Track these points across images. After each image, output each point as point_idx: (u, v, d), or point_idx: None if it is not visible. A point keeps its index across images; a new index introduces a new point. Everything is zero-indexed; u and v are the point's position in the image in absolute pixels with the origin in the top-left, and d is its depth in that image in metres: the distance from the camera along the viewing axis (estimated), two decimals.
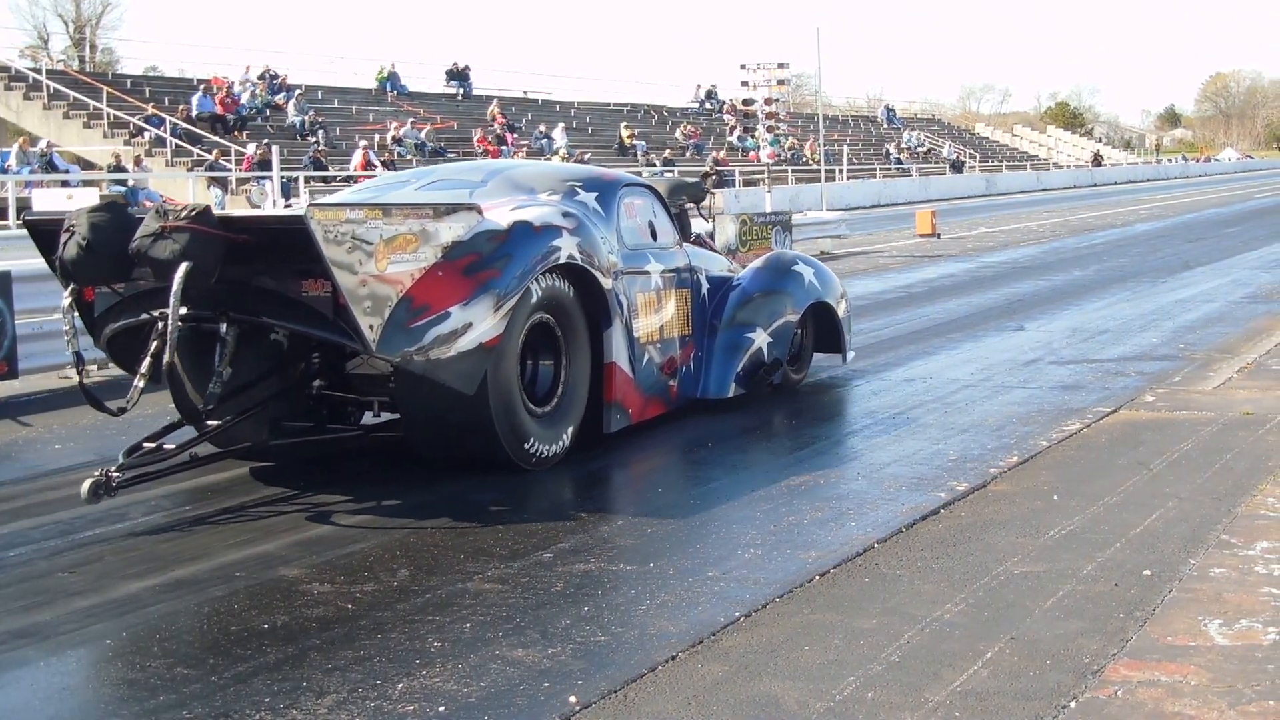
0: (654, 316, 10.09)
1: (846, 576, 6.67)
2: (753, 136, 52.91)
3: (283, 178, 29.46)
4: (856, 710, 5.02)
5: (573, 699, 5.18)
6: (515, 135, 46.16)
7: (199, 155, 36.64)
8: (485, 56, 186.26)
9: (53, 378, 12.65)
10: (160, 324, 7.77)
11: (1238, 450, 9.09)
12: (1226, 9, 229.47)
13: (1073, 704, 5.01)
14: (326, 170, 36.28)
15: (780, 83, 31.24)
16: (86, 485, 7.54)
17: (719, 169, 46.45)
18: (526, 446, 8.57)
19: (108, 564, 7.10)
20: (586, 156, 43.60)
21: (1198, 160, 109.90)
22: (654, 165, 46.77)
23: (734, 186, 43.56)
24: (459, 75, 52.73)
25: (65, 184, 27.08)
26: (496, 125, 46.33)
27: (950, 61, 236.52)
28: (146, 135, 37.72)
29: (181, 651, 5.78)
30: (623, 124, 52.14)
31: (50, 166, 31.90)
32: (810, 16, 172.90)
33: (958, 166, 71.31)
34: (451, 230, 7.93)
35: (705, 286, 11.05)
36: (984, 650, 5.55)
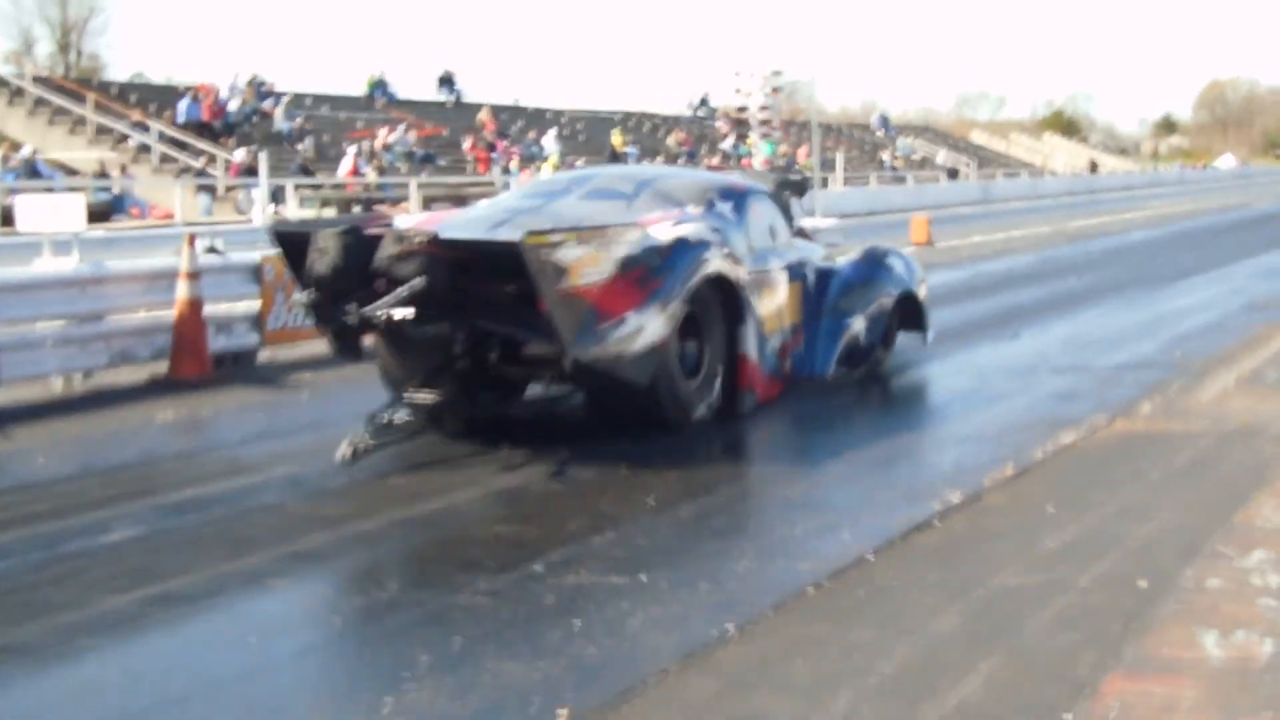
0: (775, 309, 11.49)
1: (840, 588, 6.62)
2: (746, 144, 52.94)
3: (270, 184, 29.37)
4: None
5: (562, 713, 5.13)
6: (506, 142, 46.10)
7: (185, 162, 36.51)
8: (476, 63, 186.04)
9: (36, 388, 12.52)
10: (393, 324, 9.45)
11: (1234, 461, 9.05)
12: (1223, 16, 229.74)
13: (1068, 717, 4.96)
14: (314, 177, 36.16)
15: (774, 90, 31.22)
16: (344, 448, 9.08)
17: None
18: (683, 412, 10.14)
19: (92, 577, 7.03)
20: (579, 164, 43.59)
21: (1195, 168, 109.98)
22: None
23: None
24: (449, 82, 52.67)
25: (50, 190, 26.97)
26: (487, 132, 46.26)
27: (945, 68, 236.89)
28: (132, 142, 37.59)
29: (166, 669, 5.72)
30: (615, 131, 52.12)
31: (34, 173, 31.80)
32: (804, 24, 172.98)
33: (953, 174, 71.33)
34: (625, 247, 9.43)
35: (811, 278, 12.35)
36: (979, 663, 5.50)
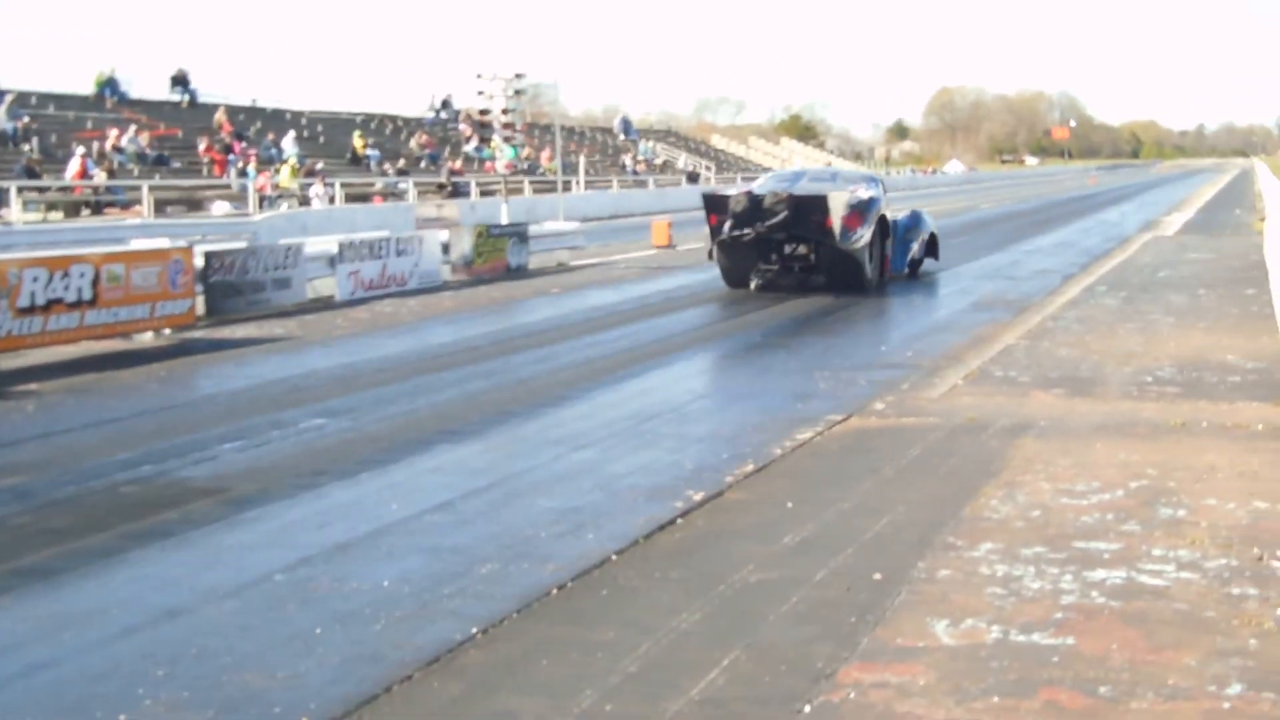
0: (891, 236, 22.42)
1: (584, 589, 6.65)
2: (489, 147, 52.70)
3: None
4: None
5: None
6: (244, 144, 45.05)
7: None
8: (211, 63, 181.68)
9: None
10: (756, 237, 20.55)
11: (963, 455, 9.36)
12: (953, 25, 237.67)
13: (807, 708, 5.07)
14: (40, 179, 34.79)
15: (517, 93, 31.15)
16: (754, 281, 20.99)
17: (455, 179, 46.21)
18: (870, 282, 20.82)
19: None
20: (319, 166, 42.92)
21: (925, 172, 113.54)
22: (388, 175, 46.28)
23: (470, 197, 43.33)
24: (183, 81, 51.18)
25: None
26: (224, 133, 45.15)
27: (686, 73, 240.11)
28: None
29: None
30: (355, 133, 51.40)
31: None
32: (547, 27, 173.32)
33: (694, 178, 72.23)
34: (850, 199, 20.59)
35: (892, 221, 22.70)
36: (721, 658, 5.58)
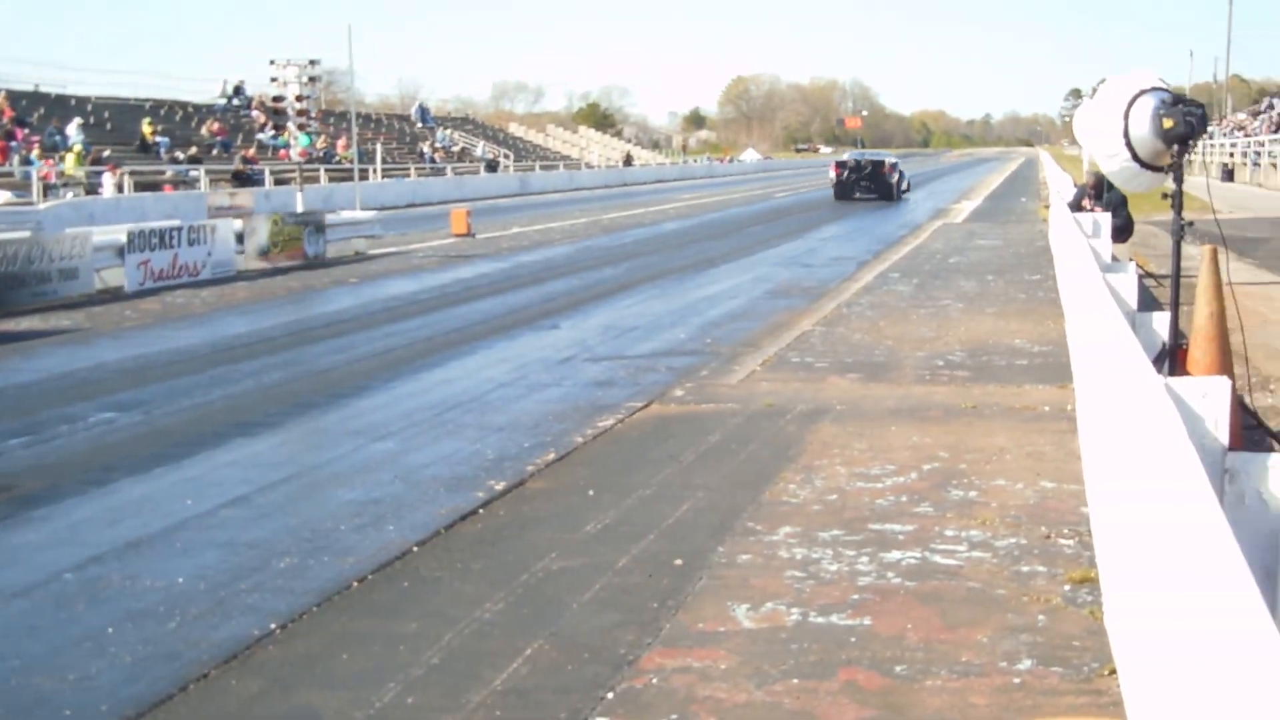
0: (900, 178, 53.44)
1: (385, 582, 6.59)
2: (283, 134, 51.93)
3: None
4: (397, 716, 4.95)
5: None
6: (26, 131, 43.61)
7: None
8: None
9: None
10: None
11: (761, 440, 9.48)
12: (747, 14, 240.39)
13: (610, 695, 5.08)
14: None
15: (311, 79, 30.67)
16: (855, 194, 52.02)
17: (249, 166, 45.35)
18: (895, 198, 50.93)
19: None
20: (106, 153, 41.75)
21: (721, 161, 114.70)
22: (179, 162, 45.23)
23: (264, 185, 42.57)
24: None
25: None
26: (5, 119, 43.67)
27: (483, 59, 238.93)
28: None
29: None
30: (145, 120, 50.11)
31: None
32: (341, 13, 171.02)
33: (492, 166, 71.99)
34: (889, 162, 53.25)
35: (900, 172, 53.34)
36: (524, 647, 5.57)
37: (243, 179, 40.78)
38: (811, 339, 14.25)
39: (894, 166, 51.75)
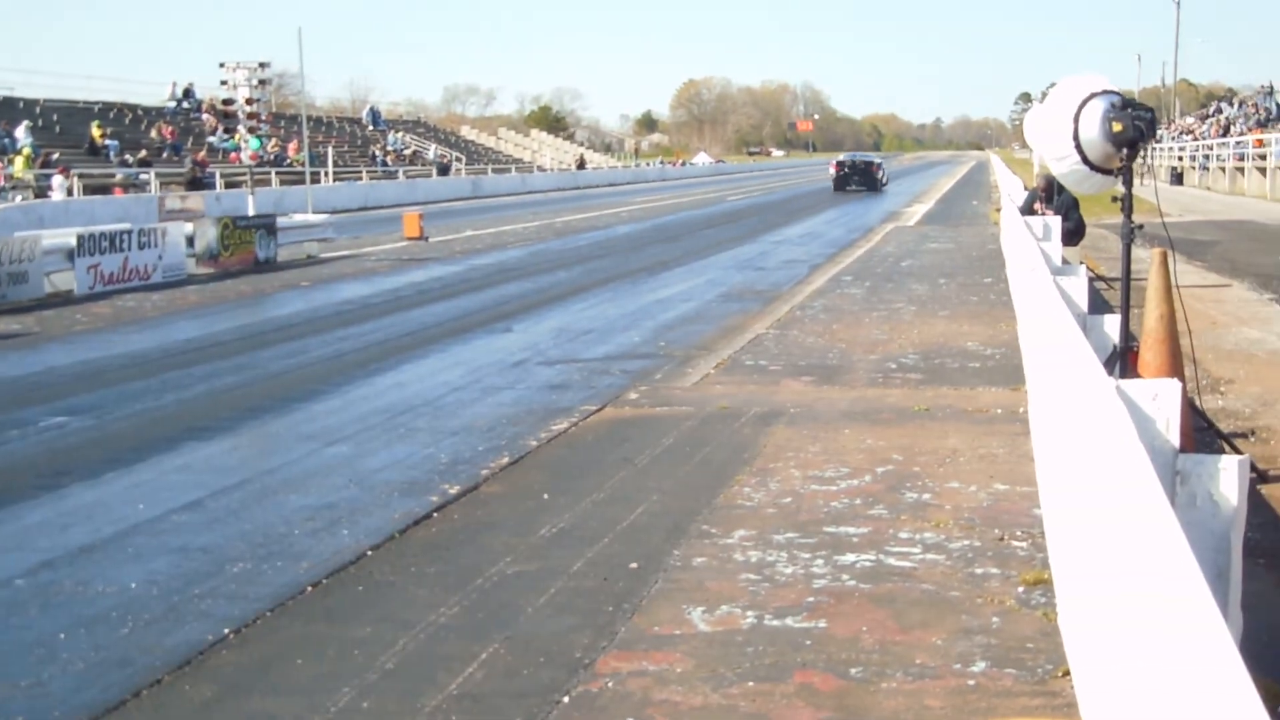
0: (882, 173, 68.55)
1: (339, 586, 6.57)
2: (234, 137, 51.56)
3: None
4: None
5: None
6: None
7: None
8: None
9: None
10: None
11: (716, 443, 9.49)
12: (698, 17, 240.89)
13: (565, 699, 5.08)
14: None
15: (261, 82, 30.48)
16: (848, 188, 65.05)
17: (199, 170, 45.09)
18: (879, 188, 64.07)
19: None
20: (55, 156, 41.39)
21: (674, 164, 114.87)
22: (129, 166, 44.91)
23: (215, 189, 42.35)
24: None
25: None
26: None
27: (434, 62, 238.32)
28: None
29: None
30: (94, 123, 49.74)
31: None
32: (292, 15, 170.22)
33: (444, 169, 71.80)
34: (877, 162, 69.55)
35: (883, 169, 68.97)
36: (479, 652, 5.57)
37: (195, 183, 40.48)
38: (765, 342, 14.29)
39: (879, 166, 66.95)
